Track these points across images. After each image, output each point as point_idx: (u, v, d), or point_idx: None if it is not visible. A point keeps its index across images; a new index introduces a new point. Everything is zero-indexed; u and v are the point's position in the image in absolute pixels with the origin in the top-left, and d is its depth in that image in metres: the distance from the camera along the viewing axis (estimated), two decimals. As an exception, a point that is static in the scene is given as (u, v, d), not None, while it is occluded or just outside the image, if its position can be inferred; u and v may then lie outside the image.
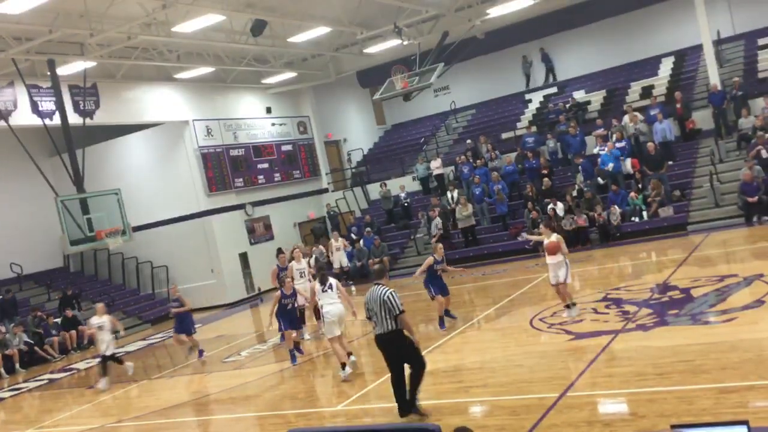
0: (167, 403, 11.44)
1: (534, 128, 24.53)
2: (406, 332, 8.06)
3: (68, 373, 16.84)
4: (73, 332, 19.64)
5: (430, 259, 12.68)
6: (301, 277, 14.53)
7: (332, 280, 11.22)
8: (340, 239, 22.20)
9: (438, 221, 21.52)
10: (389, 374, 8.24)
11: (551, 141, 22.85)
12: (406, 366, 8.06)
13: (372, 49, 23.20)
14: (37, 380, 16.42)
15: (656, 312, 10.78)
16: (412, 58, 21.10)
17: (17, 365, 18.06)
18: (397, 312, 7.93)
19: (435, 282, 12.70)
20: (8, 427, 12.42)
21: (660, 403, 7.07)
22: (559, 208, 19.90)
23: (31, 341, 18.68)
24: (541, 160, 22.05)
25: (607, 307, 11.77)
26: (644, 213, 19.12)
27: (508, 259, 19.84)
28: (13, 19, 14.62)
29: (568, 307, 11.52)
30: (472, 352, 10.89)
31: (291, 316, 12.46)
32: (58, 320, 19.71)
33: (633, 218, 19.23)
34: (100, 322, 13.83)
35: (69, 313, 19.97)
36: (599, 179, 20.38)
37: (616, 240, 19.01)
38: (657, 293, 12.14)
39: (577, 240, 19.35)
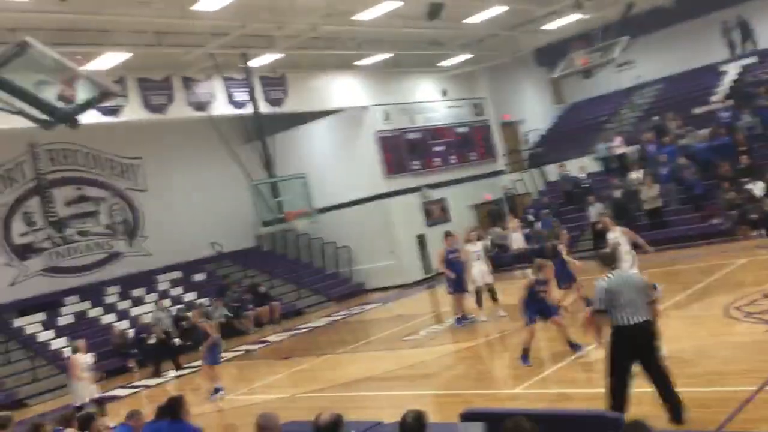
0: (351, 378, 11.99)
1: (730, 102, 22.60)
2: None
3: (262, 344, 18.13)
4: (266, 307, 21.10)
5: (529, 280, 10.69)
6: (477, 259, 14.59)
7: None
8: (515, 221, 21.97)
9: (599, 207, 20.12)
10: (612, 377, 6.94)
11: (747, 115, 20.95)
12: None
13: (550, 26, 22.49)
14: (235, 351, 17.83)
15: None
16: (594, 33, 20.22)
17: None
18: (651, 298, 7.19)
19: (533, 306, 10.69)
20: (208, 395, 13.61)
21: None
22: (759, 188, 18.24)
23: (230, 314, 20.31)
24: (739, 136, 20.30)
25: (816, 296, 10.70)
26: None
27: (700, 242, 18.54)
28: (211, 16, 15.81)
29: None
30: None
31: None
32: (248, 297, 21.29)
33: None
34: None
35: (262, 288, 21.45)
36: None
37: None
38: None
39: (780, 222, 17.70)
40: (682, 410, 6.75)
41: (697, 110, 23.70)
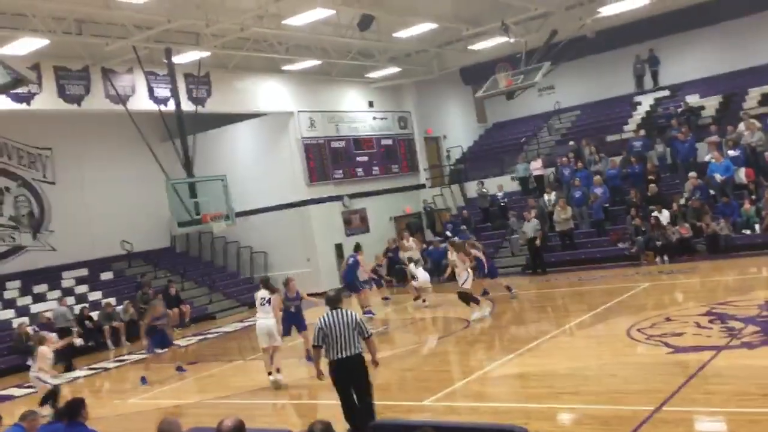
0: (259, 385, 11.80)
1: (642, 132, 23.67)
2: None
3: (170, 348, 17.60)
4: (176, 310, 20.53)
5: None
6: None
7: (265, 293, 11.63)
8: (411, 240, 20.54)
9: (535, 223, 20.71)
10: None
11: (660, 146, 21.98)
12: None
13: (477, 46, 23.01)
14: (140, 353, 17.25)
15: (764, 330, 10.22)
16: (518, 56, 20.76)
17: (123, 338, 19.12)
18: (367, 335, 7.98)
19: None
20: (111, 396, 13.16)
21: (764, 425, 6.72)
22: (664, 216, 19.14)
23: (135, 318, 19.67)
24: (649, 165, 21.24)
25: (710, 321, 11.26)
26: (756, 226, 18.13)
27: (606, 265, 19.26)
28: (136, 8, 15.38)
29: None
30: (564, 358, 10.66)
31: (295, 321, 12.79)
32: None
33: (744, 231, 18.26)
34: None
35: (173, 290, 20.83)
36: (709, 190, 19.43)
37: (725, 252, 18.10)
38: (766, 310, 11.49)
39: (682, 250, 18.59)
40: None
41: (611, 138, 24.69)
